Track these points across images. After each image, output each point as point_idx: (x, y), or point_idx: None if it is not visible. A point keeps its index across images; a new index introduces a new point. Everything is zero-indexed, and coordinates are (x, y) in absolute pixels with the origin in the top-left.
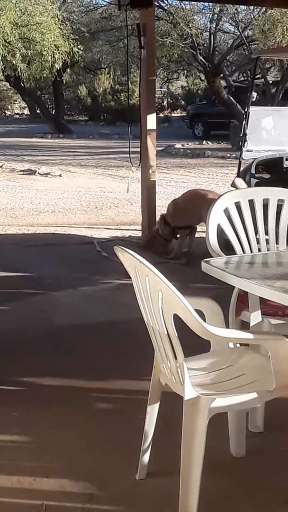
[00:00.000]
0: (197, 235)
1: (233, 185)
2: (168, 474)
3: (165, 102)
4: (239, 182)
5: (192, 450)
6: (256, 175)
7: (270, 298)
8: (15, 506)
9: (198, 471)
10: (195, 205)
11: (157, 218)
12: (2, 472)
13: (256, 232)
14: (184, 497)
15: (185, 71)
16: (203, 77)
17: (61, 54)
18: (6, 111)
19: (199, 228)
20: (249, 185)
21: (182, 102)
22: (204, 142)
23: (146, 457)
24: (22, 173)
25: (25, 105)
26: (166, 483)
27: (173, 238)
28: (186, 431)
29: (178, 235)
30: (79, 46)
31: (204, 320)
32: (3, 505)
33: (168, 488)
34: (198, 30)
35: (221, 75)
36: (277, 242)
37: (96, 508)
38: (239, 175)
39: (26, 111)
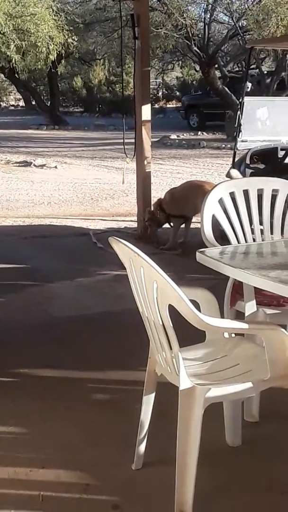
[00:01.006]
0: (192, 225)
1: (228, 175)
2: (164, 464)
3: (160, 93)
4: (235, 173)
5: (188, 439)
6: (251, 166)
7: (264, 288)
8: (12, 497)
9: (194, 460)
10: (191, 195)
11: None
12: None
13: (251, 222)
14: (180, 487)
15: (180, 62)
16: (198, 67)
17: (56, 45)
18: (1, 103)
19: (194, 219)
20: (244, 176)
21: (177, 93)
22: (199, 132)
23: (142, 447)
24: (17, 165)
25: (20, 97)
26: (162, 473)
27: (166, 223)
28: (182, 421)
29: (171, 224)
30: (73, 37)
31: (199, 310)
32: (0, 496)
33: (164, 478)
34: (193, 21)
35: (216, 65)
36: (271, 232)
37: (92, 499)
38: (234, 165)
39: (21, 103)
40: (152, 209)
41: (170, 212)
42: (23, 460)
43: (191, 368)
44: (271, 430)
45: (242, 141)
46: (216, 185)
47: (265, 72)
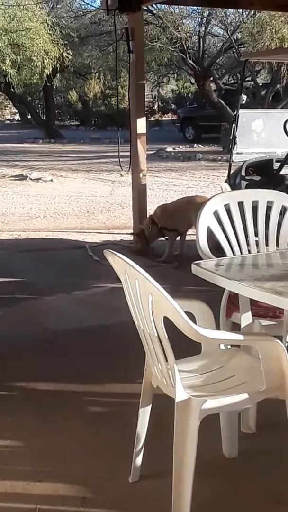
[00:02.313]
0: (188, 238)
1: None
2: (161, 476)
3: (155, 106)
4: (224, 187)
5: (184, 451)
6: (246, 177)
7: (260, 299)
8: (8, 510)
9: (191, 472)
10: (183, 210)
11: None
12: None
13: (246, 234)
14: (177, 499)
15: (175, 75)
16: (193, 80)
17: (51, 59)
18: None
19: (189, 231)
20: (239, 188)
21: (173, 106)
22: (195, 145)
23: (139, 460)
24: (13, 178)
25: (16, 111)
26: (159, 485)
27: (159, 238)
28: (178, 433)
29: (166, 237)
30: (68, 51)
31: (195, 323)
32: None
33: (161, 490)
34: (187, 34)
35: (211, 78)
36: (266, 244)
37: None
38: (229, 177)
39: (17, 117)
40: (143, 225)
41: (162, 225)
42: (20, 474)
43: (187, 380)
44: (268, 442)
45: (238, 153)
46: (211, 198)
47: (260, 84)
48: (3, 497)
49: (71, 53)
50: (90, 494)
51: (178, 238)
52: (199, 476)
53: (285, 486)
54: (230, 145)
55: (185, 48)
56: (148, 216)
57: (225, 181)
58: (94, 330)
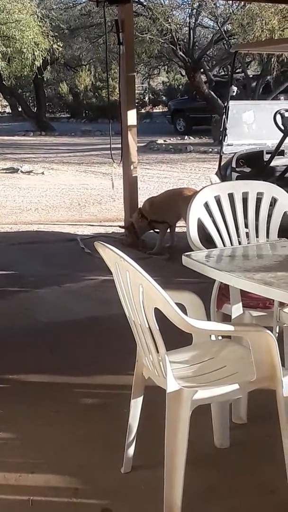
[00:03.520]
0: (179, 229)
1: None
2: (153, 466)
3: (146, 98)
4: (214, 179)
5: (176, 442)
6: (237, 169)
7: (250, 290)
8: (1, 502)
9: (182, 463)
10: (172, 202)
11: None
12: None
13: (236, 225)
14: (169, 489)
15: (166, 67)
16: (183, 72)
17: (41, 51)
18: None
19: (180, 223)
20: (230, 179)
21: (164, 98)
22: (186, 137)
23: (131, 451)
24: (4, 171)
25: (7, 103)
26: (151, 476)
27: (149, 231)
28: (170, 424)
29: (157, 229)
30: (59, 43)
31: (186, 314)
32: None
33: (153, 481)
34: (178, 26)
35: (202, 70)
36: (257, 235)
37: (82, 502)
38: (220, 169)
39: (8, 109)
40: (133, 218)
41: (151, 218)
42: (12, 465)
43: (178, 370)
44: (259, 432)
45: (228, 145)
46: (201, 189)
47: (251, 76)
48: None
49: (61, 45)
50: (82, 485)
51: (169, 230)
52: (190, 467)
53: (276, 476)
54: (221, 137)
55: (175, 39)
56: (137, 210)
57: (215, 173)
58: (85, 322)
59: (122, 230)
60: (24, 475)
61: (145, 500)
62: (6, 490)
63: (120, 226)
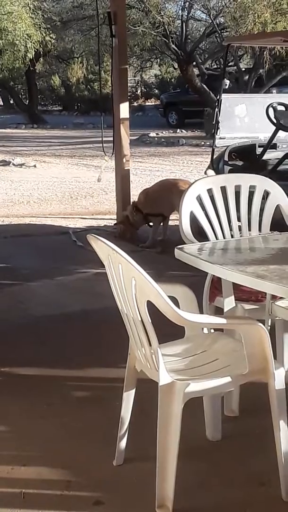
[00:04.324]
0: (172, 223)
1: (206, 174)
2: (145, 459)
3: (139, 91)
4: (210, 173)
5: (168, 435)
6: (229, 163)
7: (242, 283)
8: None
9: (174, 455)
10: (166, 193)
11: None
12: None
13: (229, 218)
14: (161, 482)
15: (158, 60)
16: (176, 65)
17: (34, 43)
18: None
19: (172, 216)
20: (222, 173)
21: (156, 91)
22: (178, 130)
23: (123, 444)
24: None
25: None
26: (143, 469)
27: (144, 224)
28: (162, 416)
29: (150, 223)
30: (51, 35)
31: (178, 307)
32: None
33: (145, 474)
34: (170, 18)
35: (194, 63)
36: (249, 228)
37: (74, 495)
38: (212, 162)
39: None
40: (127, 212)
41: (146, 211)
42: (4, 458)
43: (170, 363)
44: (250, 424)
45: (220, 138)
46: (194, 182)
47: (243, 69)
48: None
49: (53, 37)
50: (74, 478)
51: (161, 224)
52: (183, 459)
53: (267, 468)
54: (213, 130)
55: (168, 32)
56: (131, 203)
57: (208, 167)
58: (77, 315)
59: (121, 225)
60: (16, 468)
61: (137, 492)
62: None
63: (115, 223)
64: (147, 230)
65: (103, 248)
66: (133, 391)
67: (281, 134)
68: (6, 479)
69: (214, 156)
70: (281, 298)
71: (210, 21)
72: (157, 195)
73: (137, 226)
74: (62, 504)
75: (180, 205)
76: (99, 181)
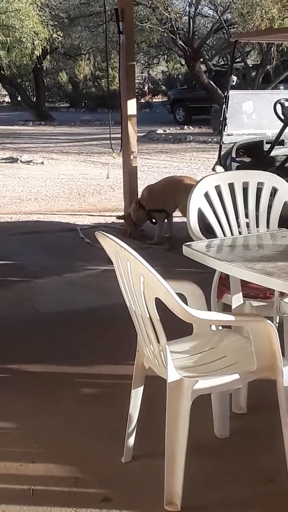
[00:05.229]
0: (179, 220)
1: (214, 171)
2: (154, 456)
3: (146, 88)
4: (219, 169)
5: (176, 432)
6: (237, 159)
7: (250, 280)
8: (2, 491)
9: (183, 452)
10: (170, 190)
11: None
12: None
13: (237, 215)
14: (169, 479)
15: (165, 56)
16: (183, 62)
17: (41, 40)
18: None
19: (179, 213)
20: (230, 169)
21: (163, 87)
22: (186, 127)
23: (131, 440)
24: (3, 161)
25: (6, 93)
26: (152, 465)
27: (147, 221)
28: (170, 413)
29: (154, 220)
30: (58, 33)
31: (186, 304)
32: None
33: (154, 470)
34: (177, 15)
35: (201, 59)
36: (257, 225)
37: (82, 492)
38: (220, 159)
39: (7, 99)
40: (130, 209)
41: (149, 207)
42: (13, 455)
43: (178, 361)
44: (258, 421)
45: (228, 134)
46: (201, 179)
47: (250, 65)
48: None
49: (61, 34)
50: (83, 475)
51: (166, 220)
52: (191, 456)
53: (275, 466)
54: (221, 127)
55: (175, 29)
56: (134, 200)
57: (216, 163)
58: (85, 312)
59: (122, 220)
60: (25, 465)
61: (145, 489)
62: (7, 480)
63: (117, 217)
64: (154, 227)
65: (111, 245)
66: (141, 388)
67: None
68: (14, 476)
69: (222, 153)
70: None
71: (218, 17)
72: (160, 191)
73: (139, 223)
74: (70, 501)
75: (188, 202)
76: (108, 178)
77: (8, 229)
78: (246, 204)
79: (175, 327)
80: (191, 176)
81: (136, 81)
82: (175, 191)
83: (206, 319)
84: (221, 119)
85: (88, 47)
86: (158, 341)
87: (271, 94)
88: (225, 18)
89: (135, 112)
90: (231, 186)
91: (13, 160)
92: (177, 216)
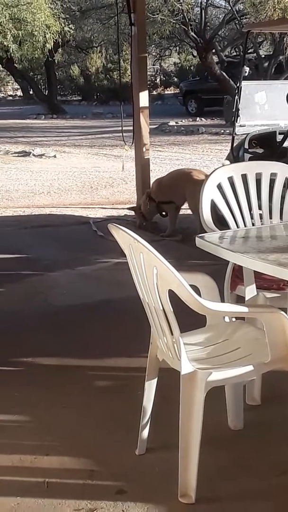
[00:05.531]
0: (189, 212)
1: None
2: (167, 448)
3: (158, 80)
4: (226, 164)
5: (190, 424)
6: (250, 150)
7: (264, 271)
8: (17, 484)
9: (197, 444)
10: (180, 182)
11: None
12: (3, 451)
13: (250, 206)
14: (184, 471)
15: (177, 48)
16: (195, 53)
17: (53, 33)
18: None
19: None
20: (242, 160)
21: (175, 79)
22: (198, 118)
23: (145, 433)
24: (16, 155)
25: (18, 87)
26: (166, 458)
27: (157, 214)
28: (184, 406)
29: (164, 212)
30: (70, 25)
31: (200, 295)
32: (6, 483)
33: (168, 463)
34: (189, 6)
35: (213, 50)
36: (270, 216)
37: (97, 484)
38: (232, 150)
39: (19, 93)
40: (141, 201)
41: (159, 199)
42: (28, 448)
43: (192, 352)
44: (272, 413)
45: (240, 126)
46: (214, 170)
47: (263, 56)
48: (12, 471)
49: (72, 27)
50: (97, 467)
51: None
52: (204, 448)
53: None
54: (233, 118)
55: (187, 20)
56: (145, 193)
57: (229, 155)
58: (98, 304)
59: (132, 212)
60: (39, 457)
61: (159, 481)
62: (22, 472)
63: (128, 208)
64: (167, 220)
65: (125, 237)
66: (155, 380)
67: None
68: (29, 468)
69: (234, 144)
70: None
71: (230, 7)
72: (169, 183)
73: (149, 216)
74: (84, 493)
75: (201, 193)
76: (123, 170)
77: (20, 223)
78: (259, 195)
79: (189, 319)
80: (199, 169)
81: (148, 73)
82: (184, 182)
83: (220, 310)
84: (234, 110)
85: (99, 39)
86: (172, 333)
87: (283, 85)
88: (237, 8)
89: (147, 104)
90: (244, 177)
91: (25, 153)
92: (184, 208)
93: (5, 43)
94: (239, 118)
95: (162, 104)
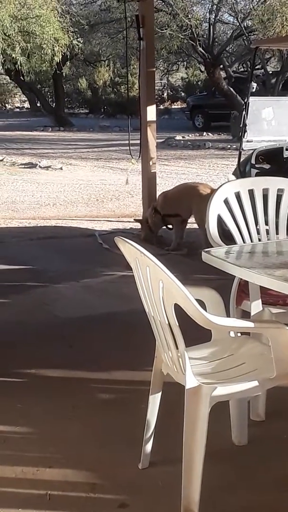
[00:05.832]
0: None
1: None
2: (171, 463)
3: (165, 94)
4: (231, 178)
5: (194, 438)
6: (257, 166)
7: (270, 287)
8: (19, 496)
9: (200, 459)
10: (185, 196)
11: None
12: (6, 463)
13: (256, 222)
14: (187, 486)
15: (185, 63)
16: (203, 68)
17: (61, 47)
18: (6, 105)
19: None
20: (249, 176)
21: (182, 94)
22: (205, 133)
23: (148, 447)
24: (23, 166)
25: (25, 99)
26: (169, 472)
27: (162, 227)
28: (188, 420)
29: (169, 225)
30: (78, 39)
31: (205, 310)
32: (8, 495)
33: (171, 477)
34: (198, 21)
35: (221, 66)
36: (277, 232)
37: (99, 497)
38: (239, 166)
39: (27, 105)
40: (147, 214)
41: (164, 212)
42: (30, 460)
43: (197, 367)
44: (276, 429)
45: (248, 141)
46: (221, 185)
47: (270, 72)
48: (14, 482)
49: (81, 41)
50: (99, 480)
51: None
52: (208, 463)
53: None
54: (240, 133)
55: (195, 35)
56: (151, 206)
57: (235, 170)
58: (103, 317)
59: (140, 226)
60: (41, 470)
61: (162, 495)
62: (24, 484)
63: (134, 220)
64: (172, 234)
65: (131, 250)
66: (159, 394)
67: None
68: (31, 481)
69: (241, 159)
70: None
71: (238, 24)
72: (175, 197)
73: (155, 229)
74: (87, 506)
75: (208, 208)
76: (127, 183)
77: (26, 234)
78: (265, 211)
79: (194, 333)
80: (205, 183)
81: (155, 87)
82: (190, 196)
83: (225, 325)
84: (241, 125)
85: (108, 53)
86: (177, 347)
87: None
88: (245, 24)
89: (154, 118)
90: (251, 193)
91: (32, 165)
92: (190, 222)
93: (14, 56)
94: (246, 133)
95: (169, 119)
